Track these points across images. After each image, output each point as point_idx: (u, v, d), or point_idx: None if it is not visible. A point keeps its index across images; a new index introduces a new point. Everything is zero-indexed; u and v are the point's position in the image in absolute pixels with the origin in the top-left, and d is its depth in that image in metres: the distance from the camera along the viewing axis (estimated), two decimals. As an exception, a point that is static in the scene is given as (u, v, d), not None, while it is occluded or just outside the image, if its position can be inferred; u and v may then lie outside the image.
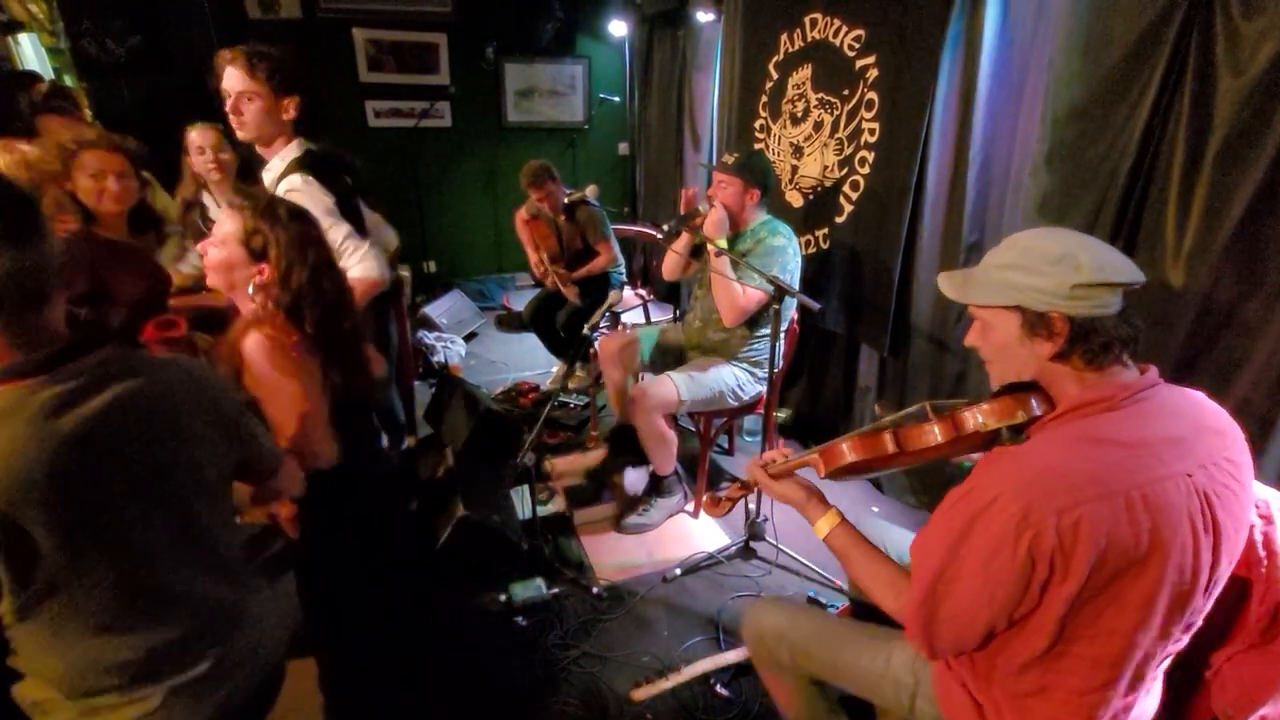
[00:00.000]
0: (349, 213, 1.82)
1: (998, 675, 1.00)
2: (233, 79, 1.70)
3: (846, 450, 1.15)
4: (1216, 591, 0.94)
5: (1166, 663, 0.98)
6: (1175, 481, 0.85)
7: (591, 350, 2.98)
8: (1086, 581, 0.84)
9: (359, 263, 1.71)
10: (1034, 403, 0.98)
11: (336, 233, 1.69)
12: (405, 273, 4.12)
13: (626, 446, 2.62)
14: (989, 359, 1.02)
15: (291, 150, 1.78)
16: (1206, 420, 0.93)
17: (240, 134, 1.76)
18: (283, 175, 1.73)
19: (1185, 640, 0.96)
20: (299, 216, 1.33)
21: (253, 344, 1.27)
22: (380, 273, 1.76)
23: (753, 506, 2.29)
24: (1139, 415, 0.90)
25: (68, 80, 3.67)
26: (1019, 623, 0.92)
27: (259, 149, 1.81)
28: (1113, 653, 0.89)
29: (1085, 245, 0.90)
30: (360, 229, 1.86)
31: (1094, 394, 0.91)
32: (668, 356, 2.57)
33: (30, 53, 3.81)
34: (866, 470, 1.19)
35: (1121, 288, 0.89)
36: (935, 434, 1.06)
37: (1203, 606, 0.94)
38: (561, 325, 3.43)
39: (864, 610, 1.36)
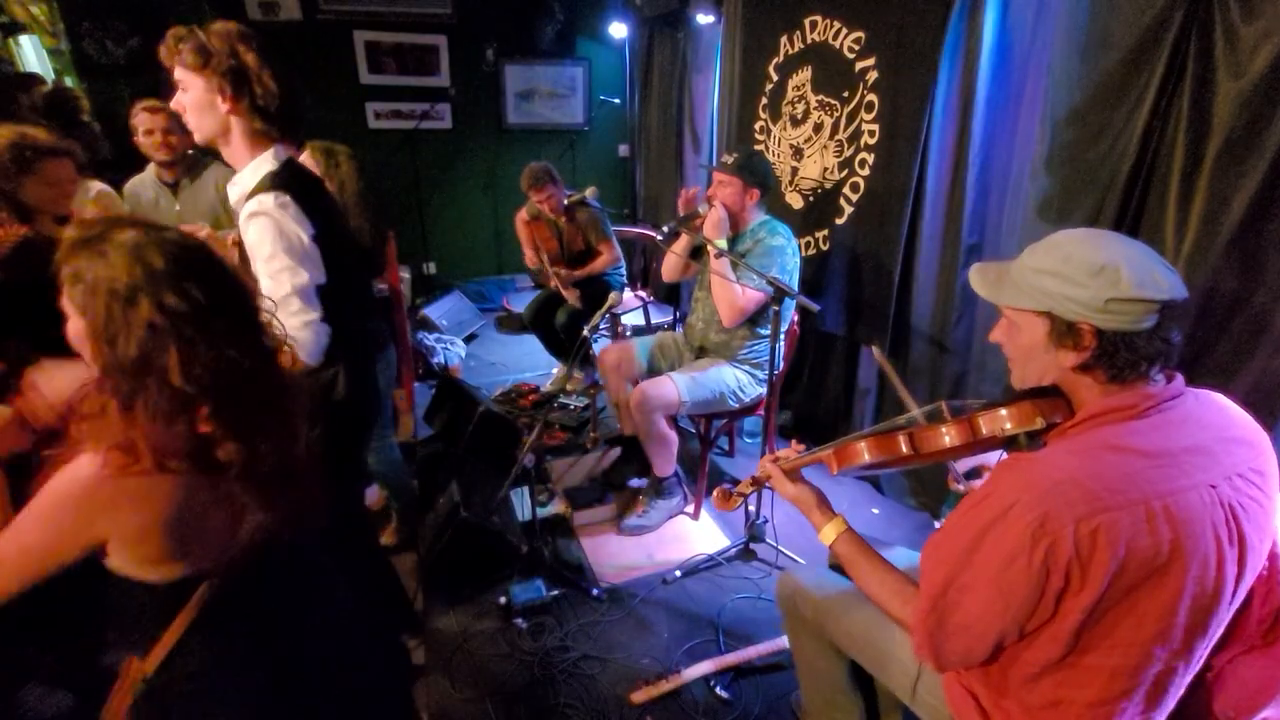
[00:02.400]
0: (332, 245, 1.40)
1: (1011, 686, 0.98)
2: (174, 70, 1.34)
3: (862, 450, 1.14)
4: (1238, 603, 0.93)
5: (1188, 679, 0.96)
6: (1198, 492, 0.84)
7: (591, 352, 2.99)
8: (1105, 592, 0.83)
9: (293, 332, 1.23)
10: (1054, 409, 0.95)
11: (286, 280, 1.29)
12: (405, 274, 4.13)
13: (632, 456, 2.63)
14: (1012, 359, 1.01)
15: (265, 161, 1.35)
16: (1233, 430, 0.91)
17: (196, 138, 1.39)
18: (252, 194, 1.32)
19: (1207, 652, 0.94)
20: (143, 249, 0.83)
21: (73, 475, 0.82)
22: (314, 356, 1.33)
23: (753, 508, 2.29)
24: (1162, 425, 0.88)
25: (69, 82, 3.68)
26: (1031, 634, 0.91)
27: (226, 158, 1.40)
28: (1130, 664, 0.87)
29: (1131, 255, 0.86)
30: (341, 266, 1.44)
31: (1116, 402, 0.89)
32: (665, 364, 2.57)
33: (31, 54, 3.81)
34: (879, 468, 1.19)
35: (1159, 305, 0.85)
36: (950, 438, 1.05)
37: (1226, 619, 0.92)
38: (561, 327, 3.43)
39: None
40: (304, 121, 1.41)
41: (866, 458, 1.14)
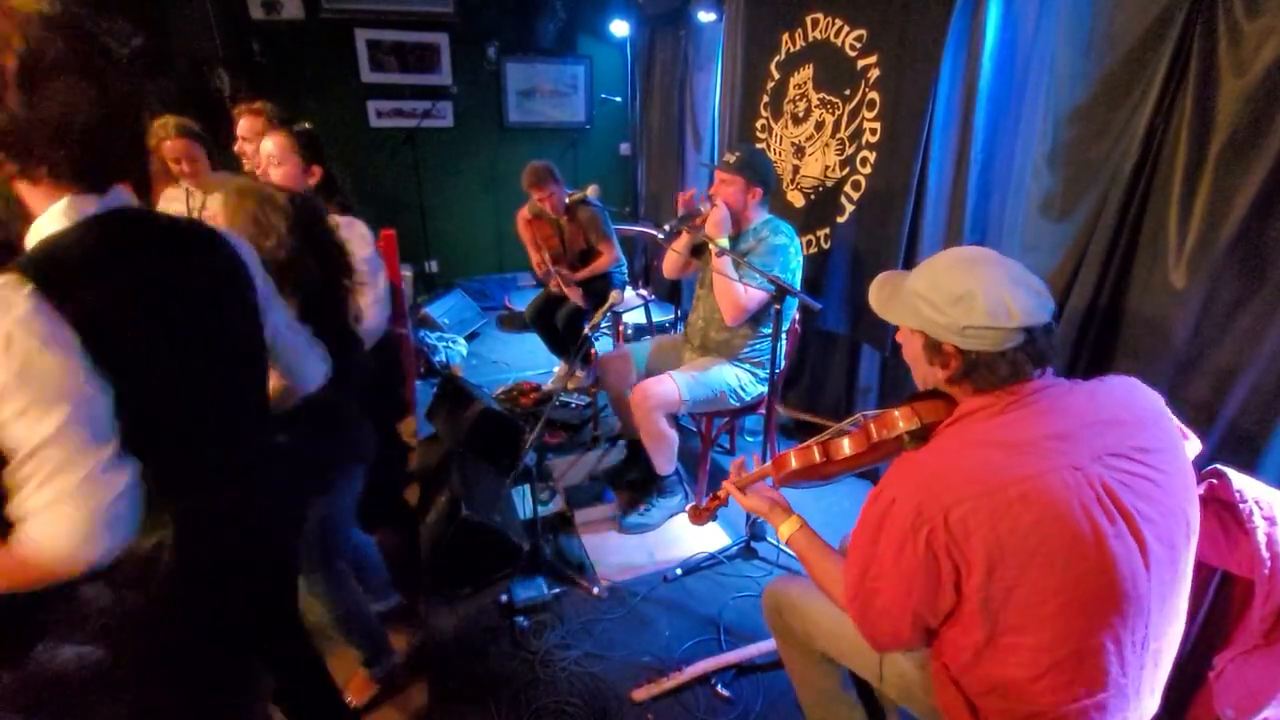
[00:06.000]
0: (164, 339, 0.88)
1: (956, 674, 1.02)
2: None
3: (791, 460, 1.26)
4: (1175, 578, 0.96)
5: (1154, 666, 0.98)
6: (1059, 475, 0.89)
7: (593, 350, 2.99)
8: (991, 572, 0.89)
9: (36, 526, 0.76)
10: (933, 410, 1.06)
11: (37, 426, 0.75)
12: (407, 273, 4.14)
13: (634, 460, 2.63)
14: (908, 364, 1.10)
15: (54, 216, 0.82)
16: (1103, 414, 0.96)
17: None
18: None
19: (1156, 636, 0.96)
20: None
21: None
22: (108, 543, 0.78)
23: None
24: (1028, 417, 0.95)
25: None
26: (952, 618, 0.98)
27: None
28: (1046, 639, 0.92)
29: (991, 283, 0.94)
30: (190, 370, 0.92)
31: (981, 402, 0.99)
32: (663, 367, 2.57)
33: (33, 53, 3.82)
34: (815, 476, 1.29)
35: (1018, 330, 0.92)
36: (848, 445, 1.18)
37: (1166, 596, 0.94)
38: (562, 325, 3.43)
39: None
40: (123, 160, 0.88)
41: (794, 466, 1.25)
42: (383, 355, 2.07)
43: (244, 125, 2.26)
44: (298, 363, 1.21)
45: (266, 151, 1.88)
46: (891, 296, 1.09)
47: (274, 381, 1.20)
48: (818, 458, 1.23)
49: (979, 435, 0.96)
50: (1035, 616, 0.91)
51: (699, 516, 1.55)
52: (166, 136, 2.19)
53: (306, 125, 2.07)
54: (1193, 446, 1.27)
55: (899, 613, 0.99)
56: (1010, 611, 0.91)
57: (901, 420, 1.09)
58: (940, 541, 0.90)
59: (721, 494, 1.46)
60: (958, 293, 0.95)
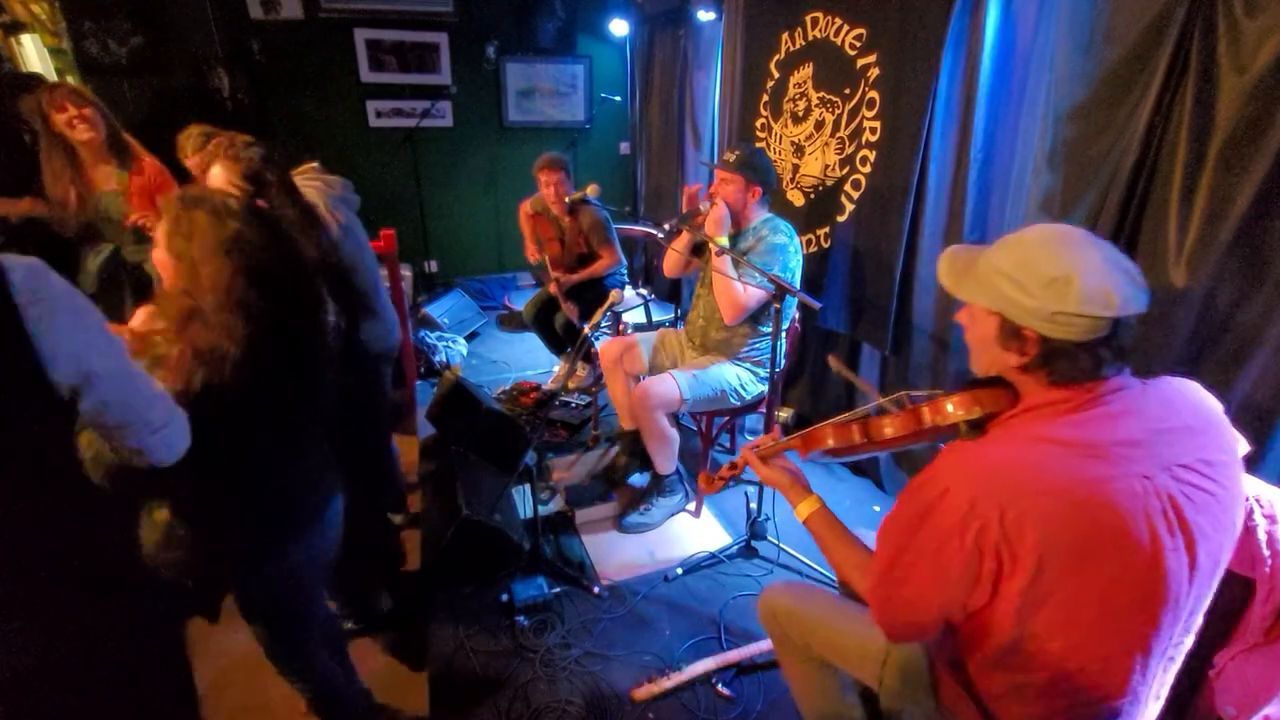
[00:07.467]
0: None
1: (974, 677, 1.01)
2: None
3: (825, 436, 1.23)
4: (1207, 592, 0.94)
5: (1163, 673, 0.97)
6: (1128, 482, 0.85)
7: (592, 350, 2.99)
8: (1038, 575, 0.86)
9: None
10: (995, 399, 1.00)
11: None
12: (407, 272, 4.14)
13: (633, 452, 2.62)
14: (970, 346, 1.04)
15: None
16: (1175, 421, 0.91)
17: None
18: None
19: (1176, 644, 0.95)
20: None
21: None
22: None
23: (754, 505, 2.29)
24: (1099, 418, 0.90)
25: (71, 81, 3.68)
26: (978, 615, 0.94)
27: None
28: (1074, 645, 0.90)
29: (1091, 267, 0.86)
30: None
31: (1054, 396, 0.92)
32: (666, 360, 2.57)
33: (33, 54, 3.82)
34: (847, 454, 1.25)
35: (1108, 321, 0.86)
36: (894, 428, 1.12)
37: (1194, 609, 0.93)
38: (561, 326, 3.42)
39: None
40: None
41: (830, 443, 1.22)
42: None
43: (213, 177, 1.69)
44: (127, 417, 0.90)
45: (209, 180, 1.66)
46: (965, 272, 0.98)
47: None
48: (857, 438, 1.17)
49: (1046, 432, 0.90)
50: (1070, 621, 0.88)
51: (711, 484, 1.49)
52: (191, 151, 2.02)
53: (253, 145, 1.67)
54: (1241, 447, 1.26)
55: (924, 605, 0.95)
56: (1045, 615, 0.89)
57: (960, 408, 1.02)
58: (990, 539, 0.86)
59: (739, 461, 1.39)
60: (1052, 274, 0.86)
